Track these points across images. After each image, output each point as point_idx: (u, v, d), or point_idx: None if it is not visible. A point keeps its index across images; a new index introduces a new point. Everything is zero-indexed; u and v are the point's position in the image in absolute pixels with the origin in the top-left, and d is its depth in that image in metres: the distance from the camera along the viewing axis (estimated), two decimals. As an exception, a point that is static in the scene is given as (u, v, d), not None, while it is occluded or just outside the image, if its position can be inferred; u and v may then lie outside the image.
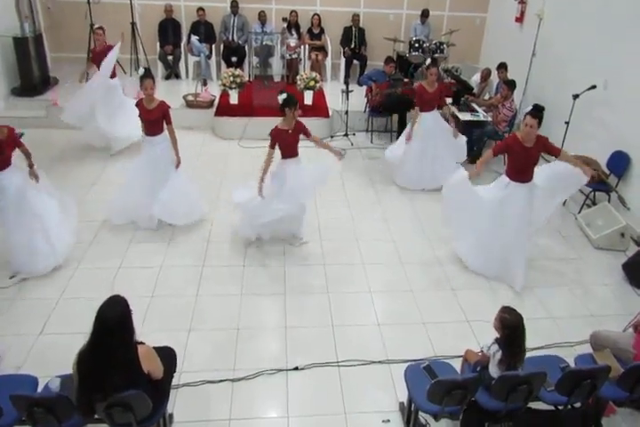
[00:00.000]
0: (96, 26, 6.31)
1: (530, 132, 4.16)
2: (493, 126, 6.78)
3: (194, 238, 4.94)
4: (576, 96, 6.15)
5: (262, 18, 8.37)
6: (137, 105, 4.65)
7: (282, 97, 4.32)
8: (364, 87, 7.48)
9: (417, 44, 8.13)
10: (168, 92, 7.91)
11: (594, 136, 6.11)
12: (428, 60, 6.02)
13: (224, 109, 7.28)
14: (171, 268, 4.54)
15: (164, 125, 4.68)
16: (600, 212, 5.47)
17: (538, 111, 4.17)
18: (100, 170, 6.12)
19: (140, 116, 4.63)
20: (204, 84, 8.08)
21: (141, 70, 4.48)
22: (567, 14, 6.83)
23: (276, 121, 4.57)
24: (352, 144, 7.25)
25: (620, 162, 5.65)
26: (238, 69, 7.16)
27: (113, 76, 6.20)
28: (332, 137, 7.38)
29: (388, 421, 3.23)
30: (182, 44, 8.44)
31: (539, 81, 7.43)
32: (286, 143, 4.47)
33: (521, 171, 4.31)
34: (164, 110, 4.63)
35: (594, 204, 5.74)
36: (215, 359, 3.62)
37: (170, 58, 8.35)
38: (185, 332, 3.83)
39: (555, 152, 4.41)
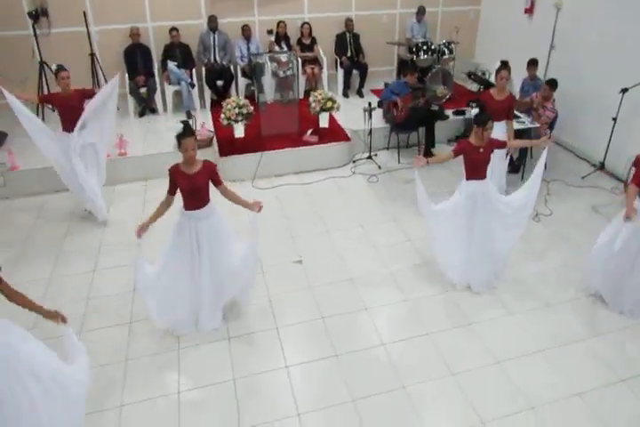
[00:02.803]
0: (54, 66, 4.66)
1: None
2: (536, 132, 6.00)
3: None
4: (625, 90, 5.47)
5: (246, 33, 7.17)
6: (173, 172, 3.35)
7: None
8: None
9: (425, 47, 7.20)
10: (148, 132, 6.67)
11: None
12: (498, 63, 5.17)
13: (228, 147, 6.06)
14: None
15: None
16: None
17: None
18: (95, 250, 4.77)
19: (175, 186, 3.38)
20: (189, 116, 6.86)
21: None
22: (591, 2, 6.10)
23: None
24: (380, 167, 6.27)
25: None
26: (242, 98, 5.97)
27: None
28: (354, 162, 6.38)
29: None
30: (156, 73, 7.10)
31: (564, 75, 6.66)
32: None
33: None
34: (211, 171, 3.39)
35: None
36: None
37: (143, 90, 6.99)
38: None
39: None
